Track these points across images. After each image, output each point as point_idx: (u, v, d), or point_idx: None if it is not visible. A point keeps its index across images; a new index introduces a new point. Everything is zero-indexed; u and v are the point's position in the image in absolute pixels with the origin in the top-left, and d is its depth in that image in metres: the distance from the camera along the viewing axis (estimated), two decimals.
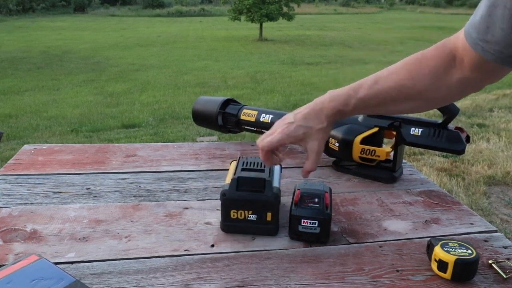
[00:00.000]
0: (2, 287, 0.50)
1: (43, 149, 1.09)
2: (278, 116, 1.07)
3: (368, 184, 0.94)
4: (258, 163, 0.77)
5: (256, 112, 1.11)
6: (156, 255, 0.66)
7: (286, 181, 0.90)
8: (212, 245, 0.69)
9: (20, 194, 0.84)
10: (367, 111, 0.77)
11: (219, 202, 0.72)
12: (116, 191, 0.88)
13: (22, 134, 4.47)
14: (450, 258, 0.61)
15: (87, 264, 0.64)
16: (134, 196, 0.86)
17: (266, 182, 0.70)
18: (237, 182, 0.71)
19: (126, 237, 0.71)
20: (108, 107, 5.66)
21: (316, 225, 0.69)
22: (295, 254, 0.68)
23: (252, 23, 15.36)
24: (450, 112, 0.88)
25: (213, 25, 22.69)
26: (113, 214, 0.78)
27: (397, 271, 0.64)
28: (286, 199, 0.79)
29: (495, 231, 0.76)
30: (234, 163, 0.79)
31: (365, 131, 0.94)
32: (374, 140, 0.94)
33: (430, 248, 0.65)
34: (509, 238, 0.92)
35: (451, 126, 0.90)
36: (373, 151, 0.93)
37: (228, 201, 0.71)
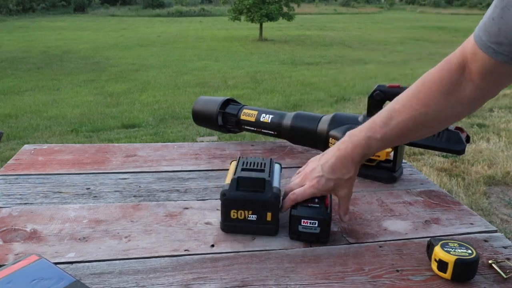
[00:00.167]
0: (2, 287, 0.50)
1: (43, 149, 1.09)
2: (278, 116, 1.07)
3: (368, 184, 0.94)
4: (258, 163, 0.77)
5: (256, 112, 1.10)
6: (156, 255, 0.66)
7: (286, 181, 0.90)
8: (212, 245, 0.69)
9: (20, 194, 0.84)
10: (391, 145, 0.79)
11: (219, 202, 0.72)
12: (116, 191, 0.88)
13: (22, 134, 4.47)
14: (450, 258, 0.61)
15: (87, 264, 0.64)
16: (134, 196, 0.86)
17: (266, 182, 0.70)
18: (237, 182, 0.70)
19: (126, 237, 0.71)
20: (108, 107, 5.66)
21: (316, 225, 0.69)
22: (295, 254, 0.68)
23: (252, 23, 15.36)
24: None
25: (213, 25, 22.70)
26: (113, 214, 0.78)
27: (397, 271, 0.64)
28: None
29: (495, 231, 0.76)
30: (234, 163, 0.79)
31: None
32: None
33: (430, 248, 0.65)
34: (509, 238, 0.92)
35: (451, 126, 0.90)
36: None
37: (228, 201, 0.71)
